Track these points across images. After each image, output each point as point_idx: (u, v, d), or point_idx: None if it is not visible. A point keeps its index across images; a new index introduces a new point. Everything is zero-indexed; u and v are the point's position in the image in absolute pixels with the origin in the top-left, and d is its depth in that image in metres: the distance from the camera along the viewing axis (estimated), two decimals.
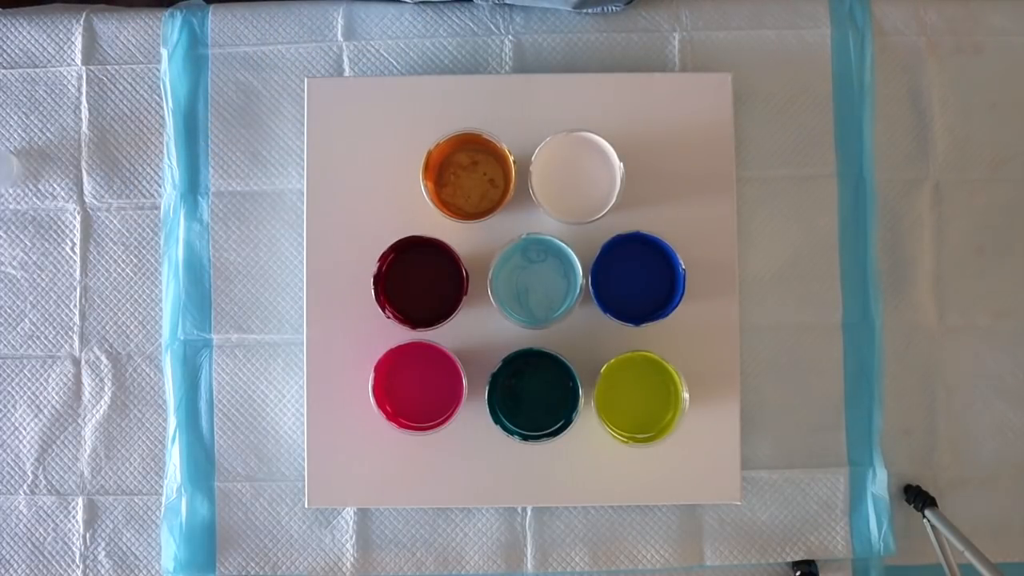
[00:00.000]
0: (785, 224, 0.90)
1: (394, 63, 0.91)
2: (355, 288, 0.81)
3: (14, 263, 0.92)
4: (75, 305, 0.91)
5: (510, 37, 0.91)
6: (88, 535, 0.90)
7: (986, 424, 0.90)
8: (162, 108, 0.92)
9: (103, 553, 0.90)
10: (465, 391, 0.79)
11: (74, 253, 0.92)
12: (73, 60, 0.92)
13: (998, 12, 0.92)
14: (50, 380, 0.91)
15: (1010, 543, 0.89)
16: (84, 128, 0.92)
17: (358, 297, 0.81)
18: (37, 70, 0.93)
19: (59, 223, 0.92)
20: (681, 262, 0.79)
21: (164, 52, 0.91)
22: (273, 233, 0.91)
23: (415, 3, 0.91)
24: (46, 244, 0.92)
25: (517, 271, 0.83)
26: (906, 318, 0.91)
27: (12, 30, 0.93)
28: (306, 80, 0.87)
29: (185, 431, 0.89)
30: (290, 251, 0.90)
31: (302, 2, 0.93)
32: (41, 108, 0.92)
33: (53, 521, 0.90)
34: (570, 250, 0.80)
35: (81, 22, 0.93)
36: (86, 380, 0.91)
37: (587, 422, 0.83)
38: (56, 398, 0.91)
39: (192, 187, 0.91)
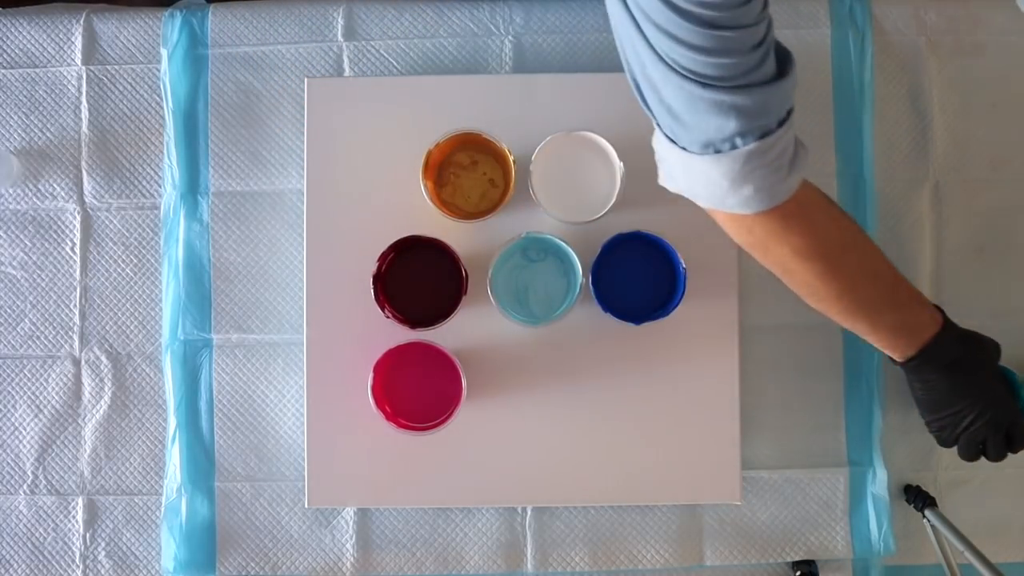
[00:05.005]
0: None
1: (394, 63, 0.91)
2: (355, 288, 0.82)
3: (14, 263, 0.92)
4: (75, 305, 0.91)
5: (510, 37, 0.91)
6: (88, 535, 0.90)
7: None
8: (162, 108, 0.92)
9: (103, 553, 0.90)
10: (465, 391, 0.79)
11: (74, 253, 0.92)
12: (73, 60, 0.92)
13: (998, 12, 0.92)
14: (50, 380, 0.91)
15: (1010, 543, 0.89)
16: (84, 128, 0.92)
17: (358, 297, 0.81)
18: (37, 70, 0.93)
19: (59, 223, 0.92)
20: (682, 261, 0.79)
21: (164, 52, 0.91)
22: (273, 233, 0.91)
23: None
24: (46, 244, 0.92)
25: (517, 270, 0.83)
26: None
27: (12, 30, 0.93)
28: (306, 80, 0.88)
29: (185, 431, 0.89)
30: (290, 251, 0.90)
31: (302, 2, 0.93)
32: (41, 108, 0.92)
33: (53, 521, 0.90)
34: (570, 249, 0.80)
35: (81, 22, 0.93)
36: (86, 380, 0.91)
37: (587, 422, 0.83)
38: (56, 398, 0.91)
39: (192, 187, 0.91)
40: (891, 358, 0.75)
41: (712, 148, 0.55)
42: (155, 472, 0.90)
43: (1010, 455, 0.80)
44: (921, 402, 0.77)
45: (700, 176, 0.58)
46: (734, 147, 0.55)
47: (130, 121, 0.92)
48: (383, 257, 0.80)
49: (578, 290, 0.80)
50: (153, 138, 0.92)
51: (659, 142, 0.60)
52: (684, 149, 0.57)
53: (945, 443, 0.78)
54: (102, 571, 0.90)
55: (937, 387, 0.75)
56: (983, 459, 0.86)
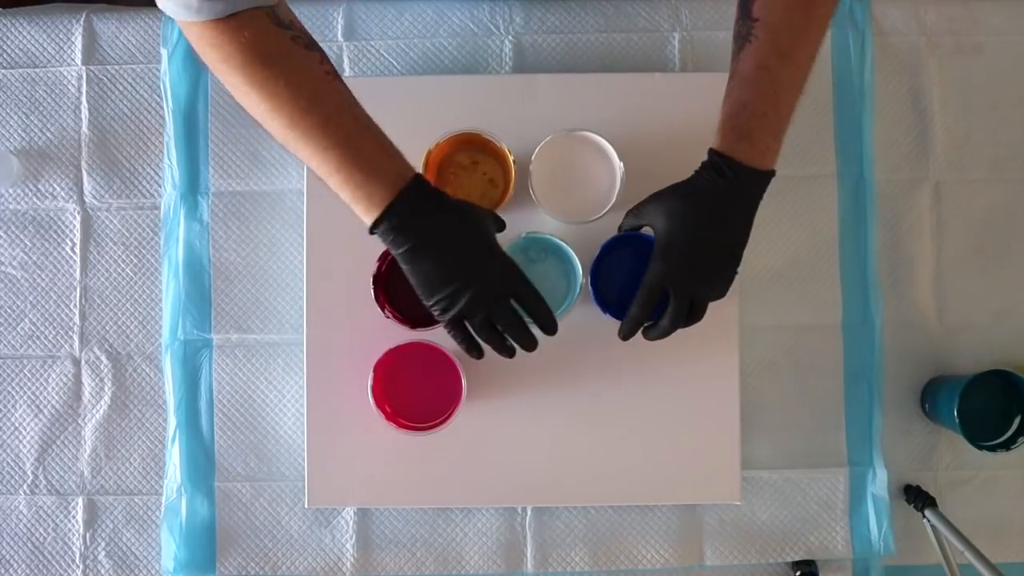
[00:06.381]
0: (785, 224, 0.90)
1: (394, 63, 0.91)
2: (355, 288, 0.81)
3: (14, 263, 0.92)
4: (75, 305, 0.91)
5: (510, 37, 0.91)
6: (88, 535, 0.90)
7: None
8: (162, 108, 0.92)
9: (103, 553, 0.90)
10: (464, 391, 0.79)
11: (74, 253, 0.92)
12: (73, 60, 0.92)
13: (998, 12, 0.92)
14: (50, 380, 0.91)
15: (1010, 543, 0.89)
16: (84, 128, 0.92)
17: (358, 297, 0.80)
18: (37, 70, 0.93)
19: (59, 223, 0.92)
20: None
21: (164, 52, 0.91)
22: (273, 233, 0.91)
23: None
24: (46, 244, 0.92)
25: None
26: (906, 318, 0.91)
27: (12, 30, 0.93)
28: None
29: (185, 431, 0.89)
30: (290, 251, 0.90)
31: (302, 2, 0.92)
32: (41, 108, 0.92)
33: (53, 521, 0.90)
34: (570, 249, 0.80)
35: (81, 22, 0.93)
36: (86, 380, 0.91)
37: (587, 422, 0.83)
38: (56, 398, 0.91)
39: (192, 187, 0.91)
40: (367, 227, 0.64)
41: None
42: (155, 472, 0.90)
43: (1010, 458, 0.81)
44: (416, 286, 0.66)
45: None
46: None
47: (130, 121, 0.92)
48: (383, 257, 0.80)
49: (578, 290, 0.80)
50: (153, 138, 0.92)
51: None
52: None
53: (450, 326, 0.67)
54: (102, 571, 0.90)
55: (421, 265, 0.64)
56: (983, 459, 0.86)
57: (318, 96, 0.63)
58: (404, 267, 0.65)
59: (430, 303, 0.66)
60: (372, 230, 0.64)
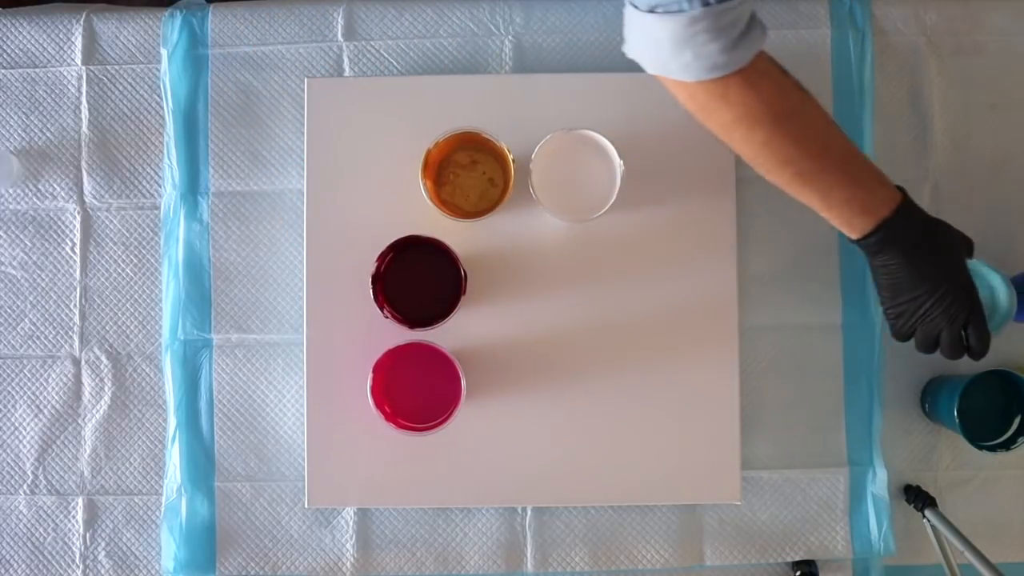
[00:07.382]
0: (785, 224, 0.90)
1: (394, 63, 0.91)
2: (355, 288, 0.82)
3: (14, 263, 0.92)
4: (75, 305, 0.91)
5: (510, 37, 0.91)
6: (88, 535, 0.90)
7: None
8: (162, 108, 0.92)
9: (103, 553, 0.90)
10: (464, 391, 0.79)
11: (74, 253, 0.92)
12: (73, 60, 0.92)
13: (998, 12, 0.92)
14: (50, 380, 0.91)
15: (1010, 543, 0.89)
16: (84, 128, 0.92)
17: (358, 297, 0.81)
18: (37, 70, 0.93)
19: (59, 223, 0.92)
20: None
21: (164, 52, 0.91)
22: (273, 233, 0.91)
23: None
24: (46, 244, 0.92)
25: None
26: None
27: (12, 30, 0.93)
28: (306, 80, 0.88)
29: (185, 431, 0.89)
30: (290, 251, 0.90)
31: (302, 2, 0.93)
32: (41, 108, 0.92)
33: (53, 521, 0.90)
34: (1001, 279, 0.80)
35: (81, 22, 0.93)
36: (86, 380, 0.91)
37: (587, 422, 0.83)
38: (56, 398, 0.91)
39: (192, 187, 0.91)
40: (850, 239, 0.72)
41: (660, 7, 0.56)
42: (155, 472, 0.90)
43: (1010, 458, 0.80)
44: (881, 287, 0.73)
45: (647, 38, 0.59)
46: (680, 10, 0.55)
47: (130, 121, 0.92)
48: (382, 257, 0.80)
49: (1005, 318, 0.80)
50: (153, 138, 0.92)
51: (625, 6, 0.60)
52: (635, 7, 0.57)
53: (901, 333, 0.74)
54: (102, 571, 0.90)
55: (897, 272, 0.71)
56: (983, 459, 0.86)
57: (830, 142, 0.68)
58: (880, 267, 0.71)
59: (893, 303, 0.72)
60: (869, 235, 0.69)
